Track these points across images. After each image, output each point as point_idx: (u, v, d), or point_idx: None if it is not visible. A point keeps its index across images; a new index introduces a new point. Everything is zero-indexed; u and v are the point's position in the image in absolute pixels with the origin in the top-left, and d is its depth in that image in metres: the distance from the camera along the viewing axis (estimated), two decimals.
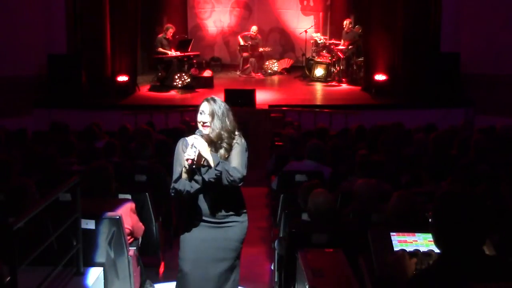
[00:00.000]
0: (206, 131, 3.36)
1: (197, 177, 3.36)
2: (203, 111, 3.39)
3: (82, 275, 3.88)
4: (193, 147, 3.24)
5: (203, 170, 3.35)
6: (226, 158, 3.39)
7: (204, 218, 3.47)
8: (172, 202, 5.39)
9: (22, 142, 6.79)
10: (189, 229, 3.51)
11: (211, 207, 3.45)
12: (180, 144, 3.46)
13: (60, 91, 10.44)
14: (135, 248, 4.28)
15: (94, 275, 3.94)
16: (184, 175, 3.34)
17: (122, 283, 4.11)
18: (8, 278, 2.78)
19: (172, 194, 3.43)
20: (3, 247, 2.92)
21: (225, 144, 3.40)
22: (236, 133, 3.50)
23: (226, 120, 3.42)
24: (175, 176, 3.40)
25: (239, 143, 3.46)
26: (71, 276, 3.83)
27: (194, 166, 3.28)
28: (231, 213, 3.50)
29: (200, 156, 3.27)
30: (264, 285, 4.86)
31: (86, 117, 8.90)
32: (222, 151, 3.40)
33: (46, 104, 10.35)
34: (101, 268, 4.04)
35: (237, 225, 3.53)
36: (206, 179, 3.34)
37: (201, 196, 3.44)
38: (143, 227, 4.40)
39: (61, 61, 10.57)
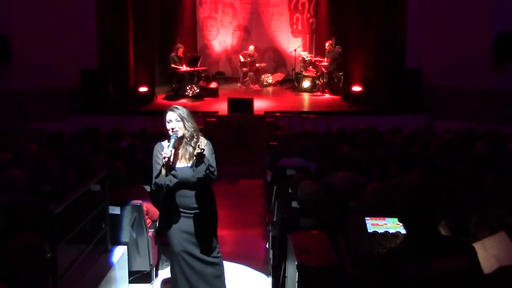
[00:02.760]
0: (179, 133, 3.33)
1: (174, 172, 3.34)
2: (170, 120, 3.35)
3: (109, 252, 3.90)
4: (170, 148, 3.25)
5: (194, 167, 3.33)
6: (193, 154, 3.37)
7: (182, 210, 3.45)
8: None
9: (60, 143, 6.77)
10: (171, 221, 3.48)
11: (188, 201, 3.43)
12: (157, 147, 3.43)
13: (92, 100, 10.43)
14: (153, 230, 4.29)
15: (119, 252, 3.96)
16: (163, 171, 3.32)
17: (143, 258, 4.12)
18: (49, 254, 2.79)
19: (154, 188, 3.40)
20: (45, 228, 2.93)
21: (193, 142, 3.39)
22: (202, 137, 3.46)
23: (193, 121, 3.40)
24: (155, 173, 3.37)
25: (208, 146, 3.43)
26: (101, 253, 3.84)
27: (170, 163, 3.29)
28: (204, 204, 3.48)
29: (175, 155, 3.31)
30: (260, 261, 4.86)
31: (113, 121, 8.89)
32: (190, 148, 3.38)
33: (80, 111, 10.33)
34: (125, 247, 4.05)
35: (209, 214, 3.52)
36: (197, 176, 3.34)
37: (180, 192, 3.41)
38: (158, 211, 4.39)
39: (93, 75, 10.54)
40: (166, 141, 3.39)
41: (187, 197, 3.43)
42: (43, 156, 4.95)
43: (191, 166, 3.35)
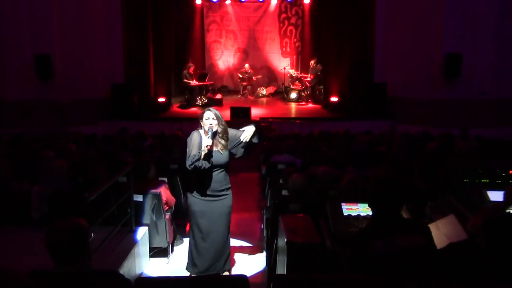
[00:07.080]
0: (214, 129, 3.37)
1: (211, 158, 3.36)
2: (208, 117, 3.40)
3: (133, 232, 3.88)
4: (209, 138, 3.29)
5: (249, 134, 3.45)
6: (225, 146, 3.43)
7: (207, 193, 3.45)
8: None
9: (94, 143, 6.74)
10: (196, 203, 3.48)
11: (211, 186, 3.44)
12: (195, 133, 3.43)
13: (119, 108, 10.37)
14: (170, 213, 4.27)
15: (142, 232, 3.94)
16: (202, 155, 3.31)
17: (161, 237, 4.11)
18: (93, 235, 2.77)
19: (190, 168, 3.34)
20: (81, 212, 2.90)
21: (225, 136, 3.44)
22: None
23: (223, 120, 3.47)
24: (190, 154, 3.33)
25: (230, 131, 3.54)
26: (127, 232, 3.83)
27: (211, 151, 3.33)
28: (223, 188, 3.48)
29: (212, 144, 3.34)
30: (256, 238, 4.85)
31: (137, 126, 8.83)
32: (223, 141, 3.43)
33: (110, 117, 10.28)
34: (147, 227, 4.04)
35: (227, 197, 3.52)
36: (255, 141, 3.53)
37: (208, 176, 3.41)
38: (174, 199, 4.39)
39: (120, 88, 10.49)
40: (200, 131, 3.42)
41: (216, 182, 3.44)
42: (79, 153, 4.91)
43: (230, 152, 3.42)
